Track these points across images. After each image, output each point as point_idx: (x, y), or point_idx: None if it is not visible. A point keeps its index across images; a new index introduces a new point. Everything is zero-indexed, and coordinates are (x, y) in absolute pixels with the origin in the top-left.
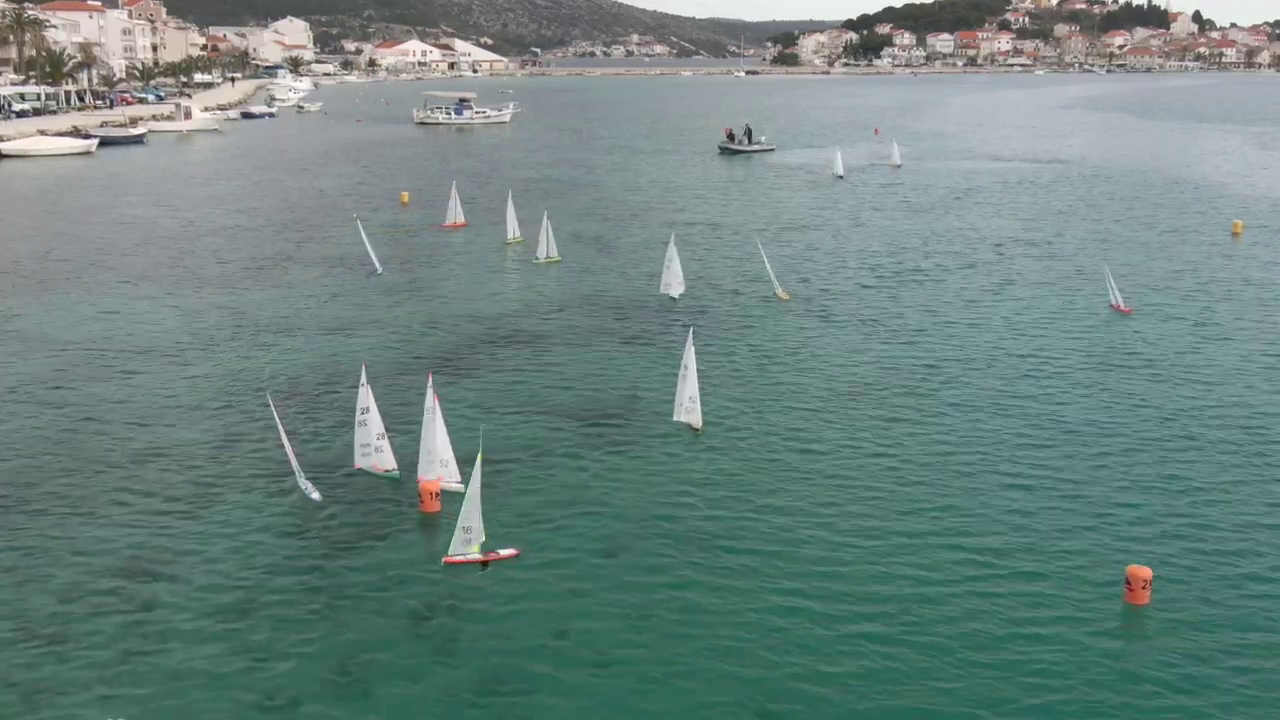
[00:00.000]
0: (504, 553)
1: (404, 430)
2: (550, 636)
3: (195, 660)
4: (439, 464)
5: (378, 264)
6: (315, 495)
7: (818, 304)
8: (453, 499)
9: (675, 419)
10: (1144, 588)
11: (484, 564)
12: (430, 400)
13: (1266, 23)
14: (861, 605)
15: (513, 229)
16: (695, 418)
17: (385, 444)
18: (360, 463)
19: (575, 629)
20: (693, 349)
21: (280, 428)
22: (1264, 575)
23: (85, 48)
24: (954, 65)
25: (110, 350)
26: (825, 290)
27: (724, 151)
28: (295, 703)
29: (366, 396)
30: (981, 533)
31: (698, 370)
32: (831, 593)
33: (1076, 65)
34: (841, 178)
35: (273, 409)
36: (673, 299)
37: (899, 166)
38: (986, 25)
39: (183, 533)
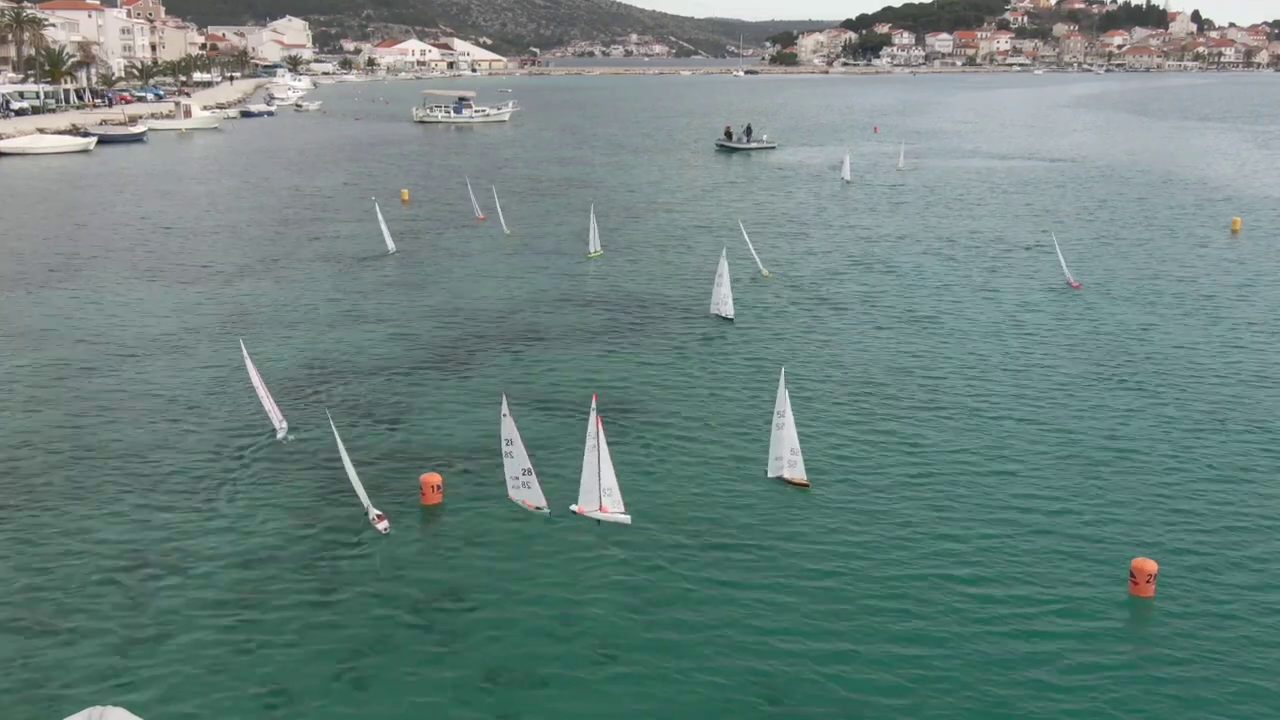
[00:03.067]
0: (381, 527)
1: (435, 420)
2: (557, 629)
3: (196, 650)
4: (602, 493)
5: (390, 243)
6: (281, 434)
7: (858, 310)
8: (610, 528)
9: (771, 476)
10: (1149, 581)
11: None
12: (594, 425)
13: (1265, 22)
14: (861, 599)
15: (506, 224)
16: (799, 472)
17: (533, 479)
18: (514, 495)
19: (582, 623)
20: (786, 393)
21: (251, 367)
22: (1269, 567)
23: (84, 46)
24: (953, 65)
25: (111, 345)
26: (858, 294)
27: (722, 149)
28: (296, 692)
29: (510, 428)
30: (983, 525)
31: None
32: (826, 584)
33: (1075, 65)
34: (849, 182)
35: (243, 350)
36: (727, 319)
37: (902, 170)
38: (985, 25)
39: (185, 524)
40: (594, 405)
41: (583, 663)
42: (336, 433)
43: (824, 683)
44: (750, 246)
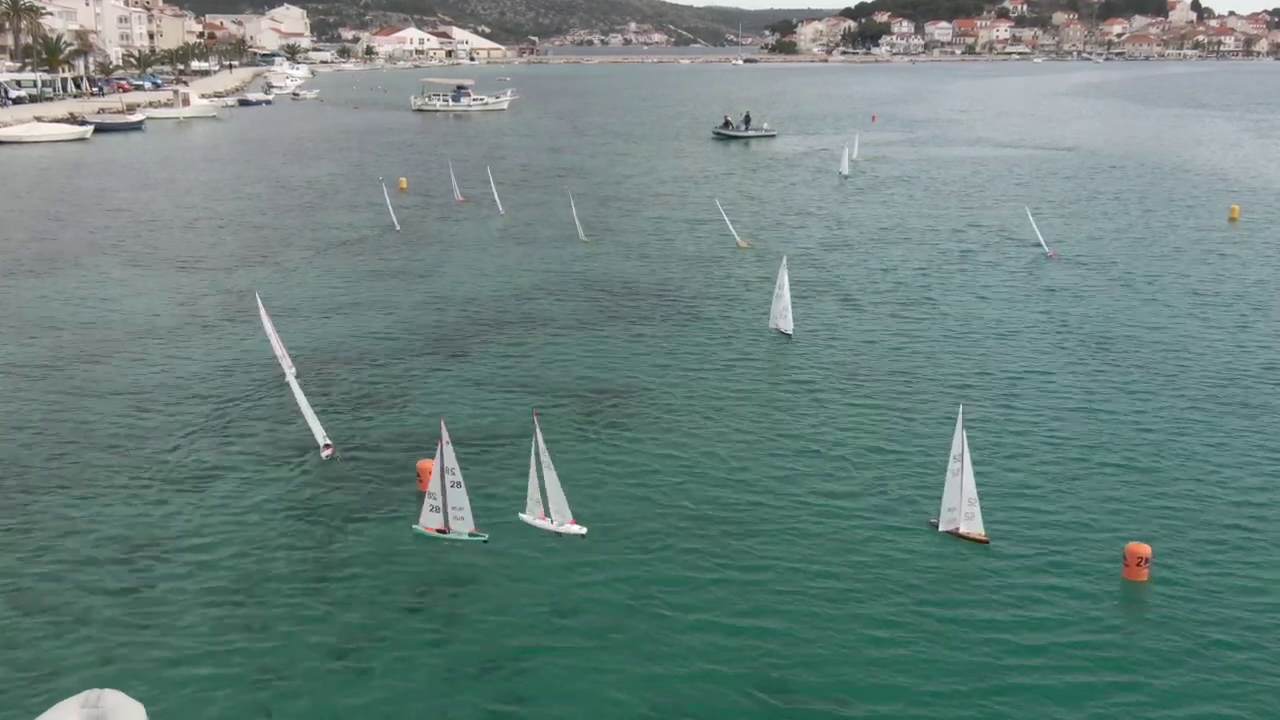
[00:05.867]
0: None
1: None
2: (550, 615)
3: (192, 636)
4: (539, 502)
5: (395, 221)
6: (289, 379)
7: (893, 320)
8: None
9: (943, 529)
10: (1142, 565)
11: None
12: (538, 439)
13: (1265, 11)
14: (852, 585)
15: (501, 207)
16: (977, 526)
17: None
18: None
19: (576, 611)
20: (965, 435)
21: (264, 313)
22: (1261, 550)
23: (81, 35)
24: (952, 53)
25: (108, 332)
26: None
27: (719, 137)
28: (292, 677)
29: (450, 457)
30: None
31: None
32: (819, 576)
33: (1075, 53)
34: (847, 176)
35: (259, 302)
36: (785, 335)
37: (857, 160)
38: (985, 13)
39: (182, 510)
40: (535, 422)
41: (579, 655)
42: (294, 382)
43: None
44: (726, 221)
